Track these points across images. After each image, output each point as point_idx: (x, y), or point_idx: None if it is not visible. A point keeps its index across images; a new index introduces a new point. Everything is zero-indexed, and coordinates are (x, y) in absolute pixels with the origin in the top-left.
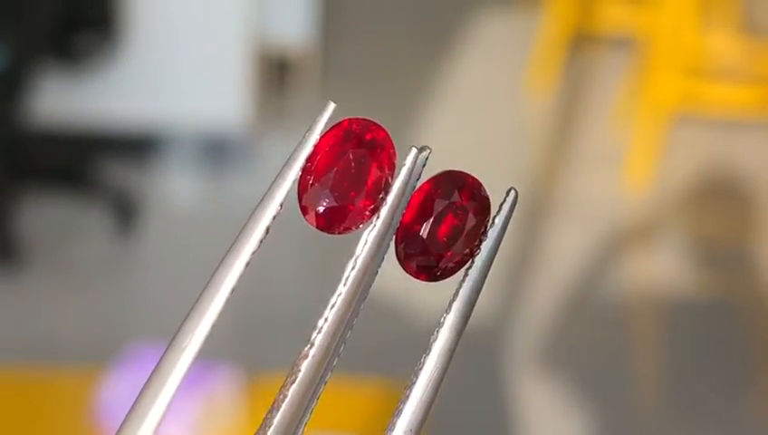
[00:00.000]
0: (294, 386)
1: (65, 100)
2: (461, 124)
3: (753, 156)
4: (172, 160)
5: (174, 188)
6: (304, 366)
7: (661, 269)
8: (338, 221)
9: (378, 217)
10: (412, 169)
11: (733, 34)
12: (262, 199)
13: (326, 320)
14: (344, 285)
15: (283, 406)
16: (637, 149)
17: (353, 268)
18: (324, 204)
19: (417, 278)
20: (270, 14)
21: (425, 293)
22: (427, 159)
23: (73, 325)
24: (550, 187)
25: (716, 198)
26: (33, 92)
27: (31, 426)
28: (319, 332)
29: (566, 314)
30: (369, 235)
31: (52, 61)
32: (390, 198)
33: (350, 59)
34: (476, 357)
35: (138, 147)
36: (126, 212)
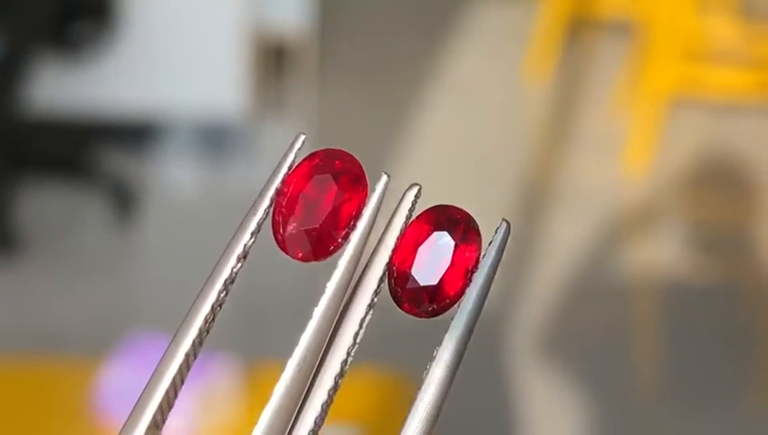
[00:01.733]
0: (277, 387)
1: (63, 88)
2: (459, 111)
3: (752, 140)
4: (170, 148)
5: (172, 176)
6: (275, 389)
7: (661, 254)
8: (309, 249)
9: (348, 242)
10: (382, 195)
11: (731, 18)
12: (235, 232)
13: (304, 333)
14: (318, 310)
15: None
16: (636, 134)
17: (325, 293)
18: (293, 231)
19: (412, 315)
20: (267, 0)
21: None
22: (418, 196)
23: (72, 314)
24: (549, 173)
25: (715, 182)
26: (31, 81)
27: (31, 415)
28: (295, 357)
29: (566, 300)
30: (339, 260)
31: (49, 49)
32: (360, 224)
33: (347, 45)
34: (477, 345)
35: (135, 135)
36: (124, 200)
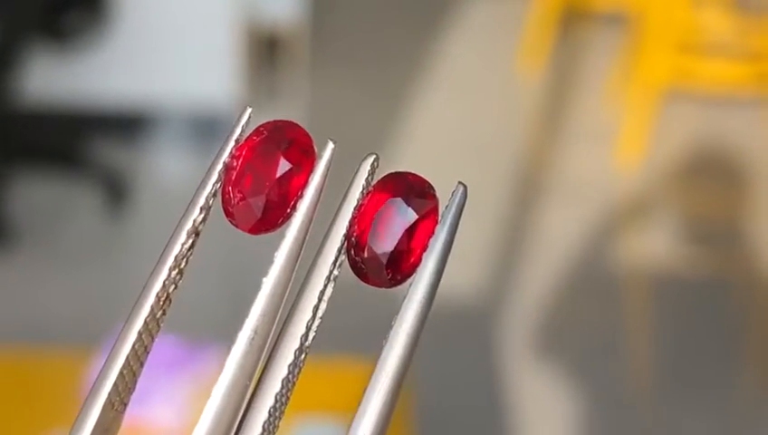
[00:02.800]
0: (228, 359)
1: (55, 79)
2: (452, 103)
3: (745, 132)
4: (162, 139)
5: (164, 167)
6: (227, 361)
7: (653, 246)
8: (262, 222)
9: (295, 211)
10: (329, 163)
11: (725, 11)
12: (187, 207)
13: (254, 304)
14: (267, 279)
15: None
16: (629, 126)
17: (273, 263)
18: (246, 211)
19: (374, 286)
20: None
21: None
22: (375, 166)
23: (64, 305)
24: (542, 165)
25: (708, 174)
26: (23, 72)
27: (21, 405)
28: (247, 328)
29: (559, 291)
30: (287, 230)
31: (41, 40)
32: (308, 192)
33: (340, 37)
34: (471, 336)
35: (128, 125)
36: (116, 191)
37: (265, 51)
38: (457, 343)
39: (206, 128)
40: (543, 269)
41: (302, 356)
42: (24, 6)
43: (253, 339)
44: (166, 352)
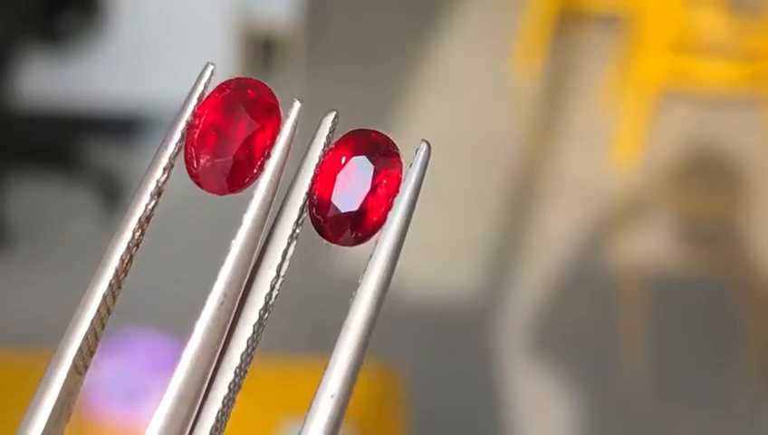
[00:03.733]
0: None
1: (50, 81)
2: (448, 104)
3: (741, 132)
4: (158, 141)
5: None
6: (196, 325)
7: (649, 246)
8: (227, 182)
9: (262, 172)
10: (296, 122)
11: (720, 10)
12: (148, 166)
13: (217, 279)
14: (235, 242)
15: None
16: (624, 126)
17: (241, 226)
18: (212, 172)
19: (336, 244)
20: None
21: (409, 274)
22: (335, 122)
23: (59, 307)
24: (538, 166)
25: (704, 174)
26: (18, 74)
27: (16, 407)
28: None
29: (554, 291)
30: (255, 191)
31: (36, 42)
32: (275, 151)
33: (335, 37)
34: (466, 335)
35: (123, 127)
36: (111, 193)
37: (261, 52)
38: (453, 342)
39: None
40: (539, 269)
41: (266, 315)
42: (19, 8)
43: (222, 303)
44: (159, 354)
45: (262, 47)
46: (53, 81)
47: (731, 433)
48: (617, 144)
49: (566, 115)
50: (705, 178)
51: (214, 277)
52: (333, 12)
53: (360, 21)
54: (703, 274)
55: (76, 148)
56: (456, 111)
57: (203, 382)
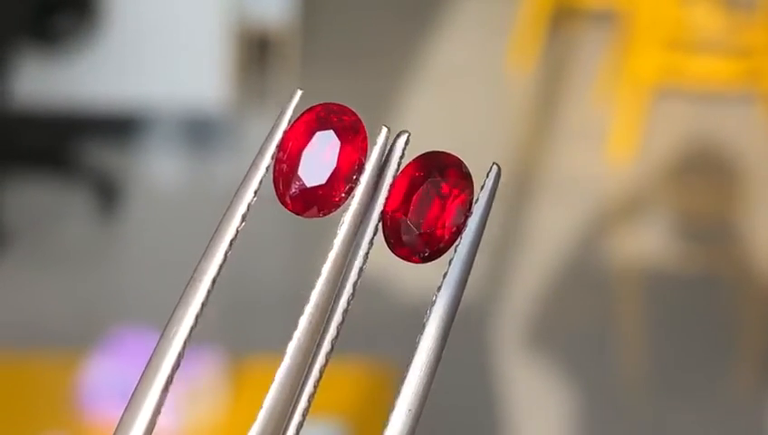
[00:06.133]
0: (280, 369)
1: (45, 81)
2: (443, 102)
3: (736, 129)
4: (153, 141)
5: (155, 169)
6: (289, 349)
7: (644, 243)
8: (313, 205)
9: (353, 197)
10: (384, 148)
11: (714, 6)
12: (237, 190)
13: (308, 301)
14: (326, 265)
15: (270, 389)
16: (619, 123)
17: (332, 249)
18: (297, 189)
19: (408, 261)
20: None
21: (409, 270)
22: (407, 143)
23: (56, 308)
24: (533, 163)
25: (699, 171)
26: (13, 75)
27: (14, 408)
28: (302, 314)
29: (550, 289)
30: (345, 216)
31: (31, 43)
32: (364, 178)
33: (330, 37)
34: (463, 335)
35: (119, 128)
36: (108, 194)
37: (256, 51)
38: (449, 340)
39: (197, 129)
40: (535, 266)
41: (338, 332)
42: (13, 9)
43: (311, 322)
44: None
45: (256, 47)
46: (49, 82)
47: (728, 428)
48: (612, 140)
49: (561, 112)
50: (700, 175)
51: (306, 301)
52: (328, 10)
53: (355, 19)
54: (699, 269)
55: (72, 148)
56: (451, 109)
57: (291, 400)
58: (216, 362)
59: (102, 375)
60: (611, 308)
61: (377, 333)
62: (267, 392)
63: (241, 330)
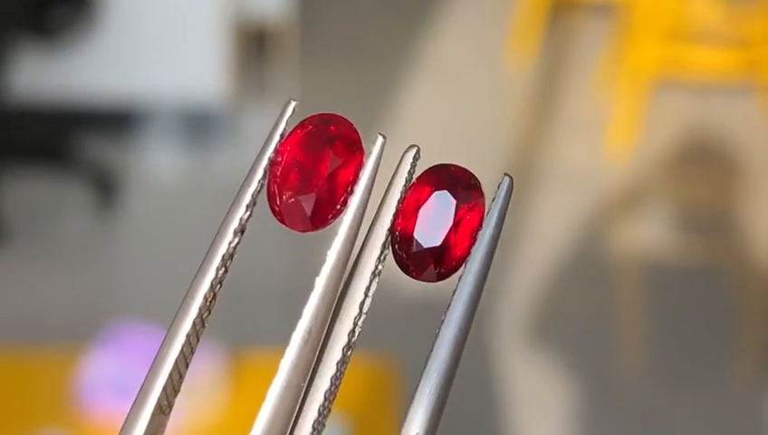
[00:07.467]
0: (283, 362)
1: (43, 75)
2: (443, 95)
3: (735, 119)
4: (152, 135)
5: (154, 163)
6: (281, 363)
7: (645, 234)
8: (309, 218)
9: (346, 207)
10: (379, 159)
11: None
12: (231, 204)
13: (307, 305)
14: (320, 277)
15: (274, 383)
16: (619, 115)
17: (325, 262)
18: (295, 209)
19: (419, 280)
20: None
21: None
22: (417, 158)
23: (55, 303)
24: (533, 155)
25: (699, 162)
26: (10, 68)
27: (13, 402)
28: (301, 317)
29: (551, 281)
30: (339, 228)
31: (28, 36)
32: (359, 188)
33: (328, 30)
34: None
35: (117, 121)
36: (106, 187)
37: (254, 45)
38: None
39: (196, 123)
40: (535, 259)
41: (349, 352)
42: (11, 2)
43: (306, 340)
44: (154, 348)
45: (255, 41)
46: (47, 76)
47: (728, 419)
48: (612, 132)
49: (560, 103)
50: (699, 166)
51: (298, 314)
52: (326, 3)
53: (353, 12)
54: (699, 261)
55: (70, 143)
56: (450, 101)
57: (288, 422)
58: (214, 354)
59: (101, 369)
60: (612, 299)
61: (381, 328)
62: (270, 386)
63: (239, 323)
